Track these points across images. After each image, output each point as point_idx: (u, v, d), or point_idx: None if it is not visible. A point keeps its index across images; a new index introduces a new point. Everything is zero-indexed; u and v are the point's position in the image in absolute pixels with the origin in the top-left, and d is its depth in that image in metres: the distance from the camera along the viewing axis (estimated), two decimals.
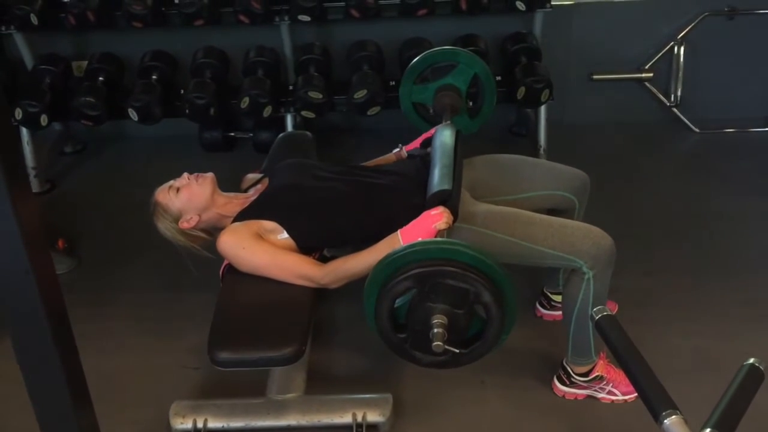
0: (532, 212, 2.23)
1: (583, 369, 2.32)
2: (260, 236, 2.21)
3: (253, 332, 2.13)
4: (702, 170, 3.58)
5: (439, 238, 1.96)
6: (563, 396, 2.36)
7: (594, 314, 1.43)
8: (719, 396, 1.33)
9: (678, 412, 1.26)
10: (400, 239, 2.05)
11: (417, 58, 2.72)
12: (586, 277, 2.15)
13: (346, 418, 2.27)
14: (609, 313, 1.44)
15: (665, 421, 1.26)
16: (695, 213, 3.26)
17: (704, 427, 1.26)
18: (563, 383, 2.35)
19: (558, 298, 2.58)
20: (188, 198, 2.32)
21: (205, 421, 2.27)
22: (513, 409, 2.37)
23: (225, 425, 2.28)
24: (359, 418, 2.26)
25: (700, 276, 2.71)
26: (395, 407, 2.31)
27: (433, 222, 2.03)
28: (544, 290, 2.65)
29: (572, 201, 2.45)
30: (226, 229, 2.25)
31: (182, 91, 3.56)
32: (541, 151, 3.61)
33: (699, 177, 3.53)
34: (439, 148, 2.29)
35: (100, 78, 3.60)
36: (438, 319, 1.84)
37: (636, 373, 1.35)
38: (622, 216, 3.24)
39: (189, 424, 2.26)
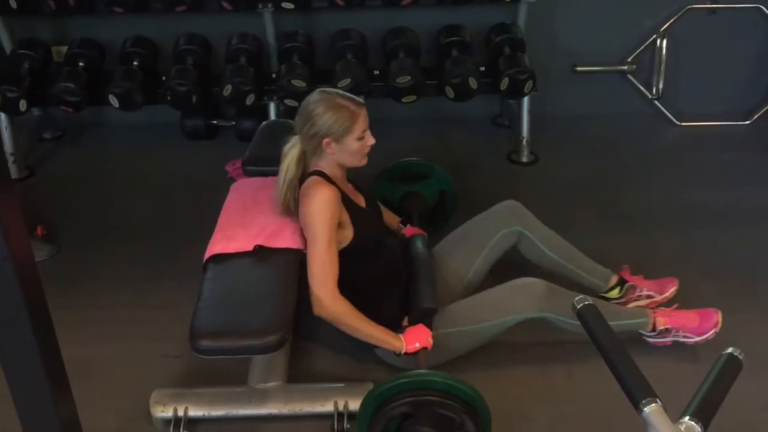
0: (470, 297, 2.44)
1: (646, 329, 2.44)
2: (336, 219, 2.24)
3: (235, 320, 2.13)
4: (682, 163, 3.61)
5: (439, 372, 2.08)
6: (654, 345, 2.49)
7: (575, 303, 1.44)
8: (698, 384, 1.35)
9: (657, 400, 1.27)
10: (403, 342, 2.25)
11: (394, 164, 2.98)
12: (547, 317, 2.35)
13: (327, 407, 2.27)
14: (589, 302, 1.45)
15: (645, 409, 1.27)
16: (675, 205, 3.29)
17: (683, 415, 1.28)
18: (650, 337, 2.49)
19: (611, 294, 2.63)
20: (345, 159, 2.30)
21: (186, 409, 2.26)
22: (488, 395, 2.38)
23: (206, 413, 2.27)
24: (341, 407, 2.26)
25: (680, 267, 2.73)
26: None
27: (429, 335, 2.27)
28: (599, 296, 2.63)
29: (515, 232, 2.56)
30: (328, 189, 2.23)
31: (164, 78, 3.52)
32: (524, 143, 3.62)
33: (679, 169, 3.56)
34: (417, 259, 2.51)
35: (80, 63, 3.56)
36: None
37: (615, 362, 1.36)
38: (603, 207, 3.27)
39: (170, 413, 2.25)
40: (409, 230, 2.70)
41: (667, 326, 2.44)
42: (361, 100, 2.29)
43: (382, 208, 2.65)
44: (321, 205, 2.21)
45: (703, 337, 2.43)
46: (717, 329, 2.42)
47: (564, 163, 3.62)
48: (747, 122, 3.87)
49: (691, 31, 3.76)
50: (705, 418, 1.25)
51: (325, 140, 2.25)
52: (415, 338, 2.25)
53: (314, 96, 2.28)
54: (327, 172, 2.32)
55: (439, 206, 3.00)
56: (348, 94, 2.29)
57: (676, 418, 1.30)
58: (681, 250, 2.94)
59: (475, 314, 2.38)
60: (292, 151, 2.32)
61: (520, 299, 2.36)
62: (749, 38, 3.79)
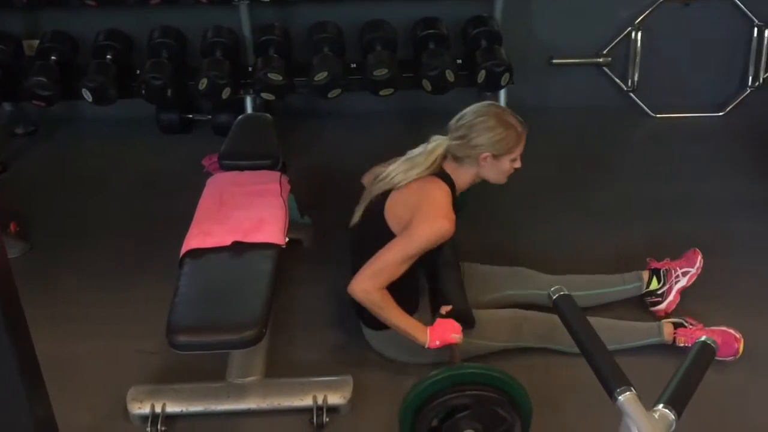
0: (485, 311, 2.43)
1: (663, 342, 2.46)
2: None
3: (212, 315, 2.12)
4: (657, 154, 3.64)
5: (506, 372, 2.05)
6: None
7: (551, 294, 1.45)
8: (672, 372, 1.36)
9: (632, 388, 1.29)
10: (428, 335, 2.24)
11: None
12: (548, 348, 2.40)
13: (306, 401, 2.27)
14: (564, 293, 1.46)
15: (619, 397, 1.28)
16: (650, 196, 3.32)
17: (657, 403, 1.30)
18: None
19: (653, 287, 2.63)
20: (491, 176, 2.33)
21: (164, 405, 2.24)
22: None
23: (184, 409, 2.26)
24: (320, 401, 2.26)
25: (655, 257, 2.76)
26: (356, 389, 2.32)
27: (454, 332, 2.25)
28: (646, 293, 2.65)
29: (528, 295, 2.57)
30: (450, 224, 2.22)
31: (138, 72, 3.48)
32: None
33: (655, 161, 3.58)
34: (447, 259, 2.50)
35: (53, 57, 3.50)
36: None
37: (591, 351, 1.38)
38: (580, 199, 3.29)
39: (147, 409, 2.23)
40: None
41: (687, 345, 2.42)
42: (525, 124, 2.31)
43: None
44: (436, 233, 2.21)
45: (721, 359, 2.36)
46: (736, 356, 2.40)
47: (540, 156, 3.61)
48: (721, 114, 3.91)
49: (665, 23, 3.79)
50: (679, 406, 1.27)
51: (486, 154, 2.25)
52: (440, 335, 2.24)
53: (484, 108, 2.29)
54: (457, 181, 2.32)
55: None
56: (516, 115, 2.31)
57: (650, 406, 1.32)
58: (657, 242, 2.97)
59: (478, 330, 2.37)
60: (437, 150, 2.29)
61: (527, 330, 2.40)
62: (723, 30, 3.82)
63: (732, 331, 2.40)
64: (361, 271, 2.24)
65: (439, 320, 2.28)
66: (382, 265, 2.22)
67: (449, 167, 2.32)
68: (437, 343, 2.23)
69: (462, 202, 2.80)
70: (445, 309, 2.32)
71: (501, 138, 2.24)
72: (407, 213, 2.25)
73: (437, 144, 2.31)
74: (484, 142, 2.24)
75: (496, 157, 2.26)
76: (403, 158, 2.35)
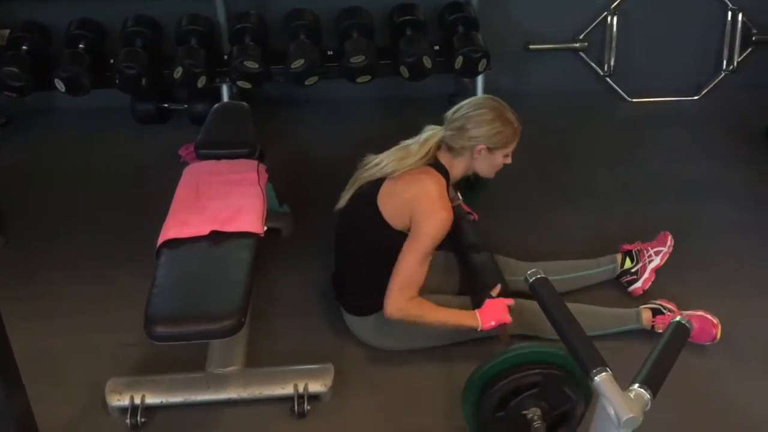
0: (466, 297, 2.42)
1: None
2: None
3: (190, 305, 2.11)
4: (633, 138, 3.66)
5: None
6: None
7: (528, 277, 1.45)
8: (647, 352, 1.38)
9: (607, 369, 1.30)
10: (479, 320, 2.25)
11: None
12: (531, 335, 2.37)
13: (287, 389, 2.27)
14: (541, 276, 1.47)
15: (596, 378, 1.29)
16: (626, 180, 3.34)
17: (632, 382, 1.31)
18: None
19: (627, 266, 2.67)
20: (483, 169, 2.35)
21: (143, 397, 2.23)
22: (450, 374, 2.40)
23: (164, 400, 2.25)
24: (301, 389, 2.26)
25: (631, 240, 2.78)
26: (337, 377, 2.32)
27: (506, 311, 2.26)
28: (622, 272, 2.68)
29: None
30: (449, 212, 2.24)
31: (112, 61, 3.44)
32: None
33: (630, 145, 3.61)
34: (476, 239, 2.54)
35: (24, 47, 3.44)
36: (537, 413, 1.95)
37: (567, 333, 1.39)
38: (556, 184, 3.30)
39: (126, 401, 2.22)
40: (464, 205, 2.71)
41: (658, 307, 2.49)
42: (520, 120, 2.33)
43: None
44: (440, 226, 2.22)
45: (698, 343, 2.42)
46: (714, 341, 2.42)
47: (518, 141, 3.64)
48: (696, 97, 3.94)
49: (641, 7, 3.80)
50: (654, 386, 1.28)
51: (481, 146, 2.25)
52: (491, 315, 2.25)
53: (483, 101, 2.30)
54: (452, 172, 2.32)
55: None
56: (513, 111, 2.32)
57: (626, 386, 1.33)
58: (634, 224, 2.99)
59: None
60: (432, 140, 2.29)
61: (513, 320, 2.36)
62: (697, 14, 3.84)
63: (709, 316, 2.43)
64: (388, 293, 2.24)
65: (489, 301, 2.28)
66: (405, 276, 2.23)
67: (443, 158, 2.32)
68: (492, 323, 2.23)
69: (481, 188, 2.85)
70: (495, 290, 2.33)
71: (498, 132, 2.25)
72: (404, 208, 2.25)
73: (432, 134, 2.31)
74: (481, 135, 2.24)
75: (491, 150, 2.27)
76: (397, 147, 2.35)
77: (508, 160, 2.35)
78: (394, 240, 2.29)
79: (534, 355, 1.97)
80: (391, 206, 2.28)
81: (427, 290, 2.46)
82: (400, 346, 2.42)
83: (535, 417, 1.88)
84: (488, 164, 2.32)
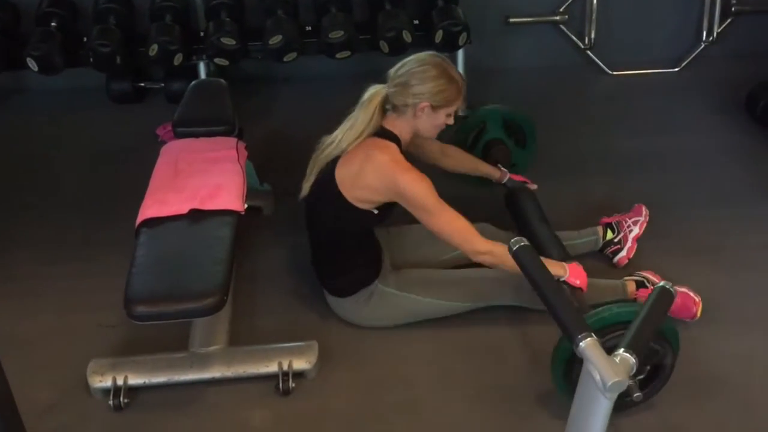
0: (451, 270, 2.43)
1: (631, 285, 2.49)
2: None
3: (171, 284, 2.08)
4: (615, 111, 3.66)
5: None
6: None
7: (511, 245, 1.44)
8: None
9: (592, 334, 1.29)
10: (567, 270, 2.25)
11: (455, 132, 2.87)
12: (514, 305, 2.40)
13: (271, 368, 2.25)
14: (525, 243, 1.46)
15: (581, 343, 1.29)
16: (608, 152, 3.34)
17: (617, 347, 1.31)
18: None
19: (608, 237, 2.69)
20: (425, 128, 2.29)
21: (125, 378, 2.20)
22: (435, 349, 2.40)
23: (146, 381, 2.23)
24: (285, 367, 2.24)
25: (614, 210, 2.78)
26: (321, 354, 2.30)
27: (585, 276, 2.30)
28: (604, 253, 2.71)
29: None
30: (417, 174, 2.21)
31: (85, 39, 3.37)
32: None
33: (612, 117, 3.60)
34: (534, 211, 2.63)
35: None
36: None
37: (552, 301, 1.38)
38: (539, 156, 3.29)
39: (108, 382, 2.19)
40: (515, 176, 2.74)
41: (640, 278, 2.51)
42: (465, 79, 2.30)
43: (466, 154, 2.72)
44: (417, 183, 2.18)
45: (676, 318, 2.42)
46: (693, 319, 2.42)
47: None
48: (676, 69, 3.94)
49: None
50: (638, 349, 1.28)
51: (424, 104, 2.20)
52: (577, 275, 2.27)
53: (427, 57, 2.24)
54: (401, 136, 2.27)
55: (518, 134, 3.00)
56: (457, 69, 2.28)
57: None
58: (616, 196, 2.99)
59: (444, 291, 2.39)
60: (375, 99, 2.24)
61: (503, 291, 2.38)
62: None
63: (692, 294, 2.42)
64: (471, 256, 2.24)
65: (573, 265, 2.29)
66: (455, 236, 2.21)
67: (389, 122, 2.28)
68: (577, 282, 2.25)
69: (529, 152, 2.92)
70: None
71: (442, 90, 2.21)
72: (367, 189, 2.22)
73: (374, 92, 2.26)
74: (425, 92, 2.20)
75: (434, 108, 2.22)
76: (346, 119, 2.30)
77: (450, 121, 2.30)
78: (361, 219, 2.27)
79: (616, 317, 1.97)
80: (350, 187, 2.24)
81: (408, 265, 2.46)
82: (381, 324, 2.41)
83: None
84: (430, 123, 2.27)
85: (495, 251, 2.19)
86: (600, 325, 1.94)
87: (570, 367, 2.00)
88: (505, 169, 2.75)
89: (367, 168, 2.20)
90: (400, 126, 2.27)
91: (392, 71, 2.26)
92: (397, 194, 2.21)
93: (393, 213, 2.33)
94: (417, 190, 2.18)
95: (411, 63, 2.23)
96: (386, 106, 2.26)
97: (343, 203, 2.25)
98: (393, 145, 2.25)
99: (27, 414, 1.73)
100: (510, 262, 2.02)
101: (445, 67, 2.23)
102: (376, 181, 2.21)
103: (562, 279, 2.24)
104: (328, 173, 2.29)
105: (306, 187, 2.36)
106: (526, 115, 2.99)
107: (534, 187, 2.74)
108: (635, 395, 1.65)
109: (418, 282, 2.40)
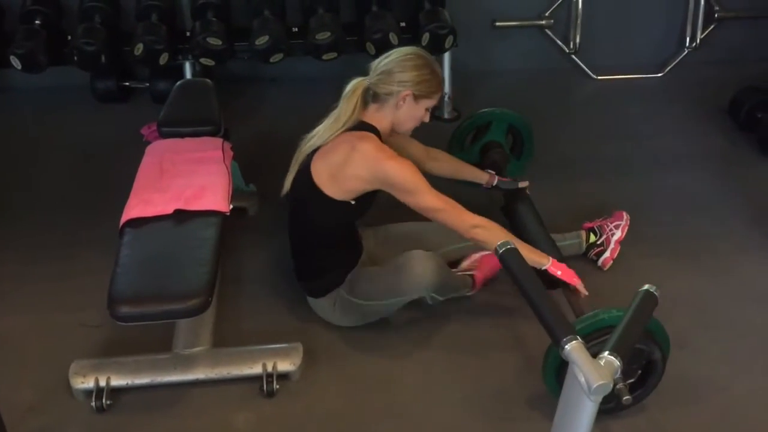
0: (373, 268, 2.41)
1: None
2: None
3: (155, 285, 2.07)
4: (599, 115, 3.68)
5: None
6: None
7: (498, 248, 1.45)
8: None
9: (577, 337, 1.30)
10: (550, 260, 2.26)
11: (458, 127, 3.00)
12: (433, 300, 2.38)
13: (256, 369, 2.24)
14: (511, 246, 1.46)
15: (566, 346, 1.30)
16: (592, 156, 3.36)
17: (602, 350, 1.32)
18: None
19: (591, 240, 2.72)
20: (404, 120, 2.30)
21: (108, 379, 2.18)
22: (423, 351, 2.40)
23: (129, 382, 2.21)
24: (269, 368, 2.24)
25: (600, 216, 2.80)
26: (305, 356, 2.30)
27: (574, 275, 2.31)
28: (588, 257, 2.73)
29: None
30: (399, 159, 2.22)
31: (70, 38, 3.34)
32: (446, 99, 3.62)
33: (596, 121, 3.63)
34: (529, 216, 2.67)
35: None
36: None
37: (537, 303, 1.39)
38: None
39: (91, 383, 2.17)
40: (502, 178, 2.76)
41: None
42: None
43: (453, 158, 2.72)
44: (402, 169, 2.19)
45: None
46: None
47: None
48: (660, 74, 3.97)
49: None
50: (623, 352, 1.29)
51: (407, 92, 2.22)
52: (563, 268, 2.27)
53: (412, 49, 2.29)
54: (380, 128, 2.28)
55: (516, 143, 3.07)
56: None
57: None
58: (599, 200, 3.01)
59: (368, 289, 2.35)
60: (357, 90, 2.25)
61: (414, 284, 2.30)
62: None
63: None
64: (463, 233, 2.23)
65: (564, 265, 2.30)
66: (442, 211, 2.22)
67: (368, 115, 2.28)
68: (559, 273, 2.25)
69: (526, 158, 2.97)
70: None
71: (426, 79, 2.23)
72: (351, 179, 2.21)
73: (356, 83, 2.27)
74: (409, 80, 2.21)
75: (416, 98, 2.24)
76: (329, 115, 2.32)
77: (427, 118, 2.32)
78: (337, 211, 2.27)
79: (602, 322, 1.98)
80: (331, 178, 2.23)
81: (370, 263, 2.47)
82: (359, 322, 2.41)
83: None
84: (410, 114, 2.28)
85: (487, 224, 2.22)
86: (589, 330, 1.95)
87: (563, 370, 2.00)
88: (492, 172, 2.75)
89: (355, 157, 2.21)
90: (379, 118, 2.28)
91: (375, 63, 2.29)
92: (384, 181, 2.22)
93: (370, 206, 2.34)
94: (403, 174, 2.20)
95: (395, 53, 2.27)
96: (367, 98, 2.27)
97: (319, 195, 2.25)
98: (373, 135, 2.26)
99: (8, 415, 1.72)
100: (501, 234, 2.06)
101: (428, 59, 2.27)
102: (363, 170, 2.21)
103: (543, 267, 2.24)
104: (304, 167, 2.30)
105: (287, 182, 2.37)
106: (530, 127, 3.04)
107: (525, 183, 2.76)
108: (624, 399, 1.66)
109: (359, 282, 2.37)
